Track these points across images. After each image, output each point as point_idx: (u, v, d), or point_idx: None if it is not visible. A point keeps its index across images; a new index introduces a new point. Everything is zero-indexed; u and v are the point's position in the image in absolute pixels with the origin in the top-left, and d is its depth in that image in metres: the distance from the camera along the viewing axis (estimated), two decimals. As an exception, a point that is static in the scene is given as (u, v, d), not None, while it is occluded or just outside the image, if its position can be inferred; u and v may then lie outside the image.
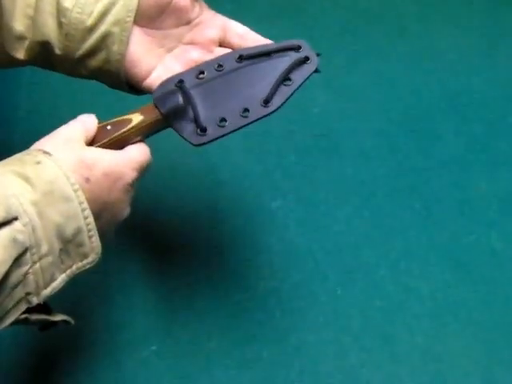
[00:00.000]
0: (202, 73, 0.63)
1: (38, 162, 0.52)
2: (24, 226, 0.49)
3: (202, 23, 0.65)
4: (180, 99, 0.60)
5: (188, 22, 0.65)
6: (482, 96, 0.92)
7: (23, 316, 0.50)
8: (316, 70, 0.62)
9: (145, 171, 0.60)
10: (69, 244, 0.52)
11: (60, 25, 0.62)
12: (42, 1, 0.62)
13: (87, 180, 0.54)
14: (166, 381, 0.69)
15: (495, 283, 0.76)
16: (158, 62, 0.64)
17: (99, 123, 0.59)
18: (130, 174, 0.58)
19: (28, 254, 0.49)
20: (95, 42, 0.62)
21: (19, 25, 0.62)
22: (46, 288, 0.51)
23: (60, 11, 0.61)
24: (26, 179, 0.51)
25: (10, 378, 0.68)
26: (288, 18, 0.99)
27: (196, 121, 0.60)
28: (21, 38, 0.63)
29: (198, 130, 0.60)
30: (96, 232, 0.54)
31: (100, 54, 0.63)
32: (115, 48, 0.62)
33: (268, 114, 0.61)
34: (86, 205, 0.53)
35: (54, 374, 0.69)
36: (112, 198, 0.56)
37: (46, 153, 0.54)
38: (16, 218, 0.48)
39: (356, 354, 0.71)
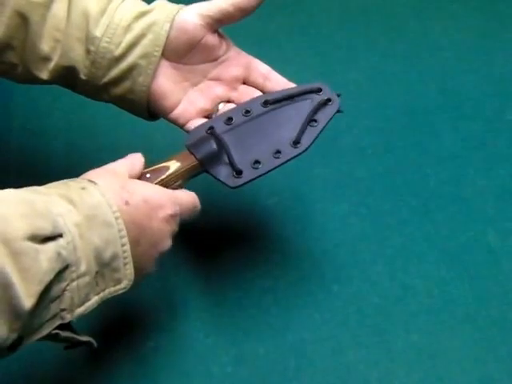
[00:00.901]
0: (231, 119, 0.66)
1: (83, 188, 0.54)
2: (67, 243, 0.50)
3: (228, 61, 0.67)
4: (214, 145, 0.64)
5: (215, 59, 0.67)
6: (479, 93, 0.92)
7: (55, 331, 0.52)
8: (339, 111, 0.67)
9: (191, 213, 0.62)
10: (105, 268, 0.54)
11: (88, 52, 0.63)
12: (72, 26, 0.63)
13: (126, 203, 0.56)
14: (163, 377, 0.69)
15: (492, 280, 0.76)
16: (183, 95, 0.67)
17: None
18: (171, 207, 0.59)
19: (68, 271, 0.50)
20: (121, 72, 0.64)
21: (46, 46, 0.63)
22: (79, 307, 0.53)
23: (89, 39, 0.63)
24: (71, 201, 0.52)
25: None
26: (285, 14, 0.99)
27: (231, 164, 0.64)
28: (46, 59, 0.64)
29: (234, 173, 0.64)
30: (131, 260, 0.55)
31: (125, 84, 0.64)
32: (141, 80, 0.64)
33: (299, 154, 0.65)
34: (124, 233, 0.54)
35: (48, 369, 0.69)
36: (152, 226, 0.58)
37: (90, 181, 0.56)
38: (61, 235, 0.50)
39: (352, 351, 0.71)
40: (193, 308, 0.74)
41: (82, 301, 0.52)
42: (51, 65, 0.64)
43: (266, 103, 0.66)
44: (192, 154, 0.64)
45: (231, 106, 0.68)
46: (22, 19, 0.62)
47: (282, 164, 0.65)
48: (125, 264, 0.55)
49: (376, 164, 0.85)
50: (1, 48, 0.63)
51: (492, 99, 0.91)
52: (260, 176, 0.64)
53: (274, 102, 0.66)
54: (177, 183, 0.63)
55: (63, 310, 0.51)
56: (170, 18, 0.63)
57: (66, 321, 0.52)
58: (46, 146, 0.85)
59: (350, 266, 0.77)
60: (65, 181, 0.56)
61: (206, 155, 0.64)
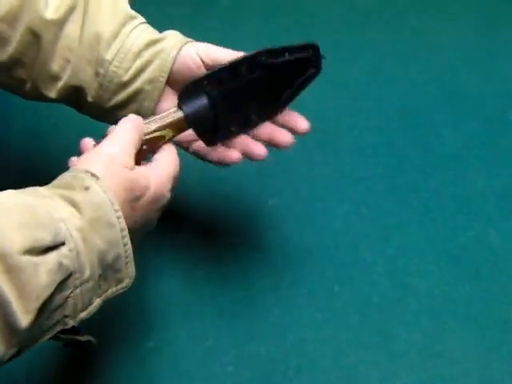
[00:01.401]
0: (222, 80, 0.65)
1: (87, 188, 0.53)
2: (70, 251, 0.49)
3: None
4: (205, 101, 0.64)
5: None
6: (481, 92, 0.92)
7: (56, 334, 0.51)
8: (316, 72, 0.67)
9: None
10: (108, 270, 0.53)
11: (97, 74, 0.63)
12: (84, 47, 0.63)
13: (133, 208, 0.56)
14: (164, 378, 0.69)
15: (493, 280, 0.76)
16: None
17: None
18: (167, 196, 0.60)
19: (71, 279, 0.49)
20: (127, 96, 0.64)
21: (56, 65, 0.63)
22: (82, 311, 0.52)
23: (99, 61, 0.63)
24: (74, 204, 0.51)
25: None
26: (286, 14, 0.99)
27: (214, 123, 0.64)
28: (55, 78, 0.64)
29: (213, 132, 0.64)
30: (132, 258, 0.55)
31: (130, 108, 0.65)
32: (146, 104, 0.65)
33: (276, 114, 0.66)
34: (126, 232, 0.54)
35: (48, 369, 0.69)
36: (148, 218, 0.59)
37: (93, 176, 0.54)
38: (63, 243, 0.49)
39: (354, 351, 0.71)
40: (193, 308, 0.74)
41: (85, 305, 0.52)
42: (60, 84, 0.64)
43: (255, 65, 0.66)
44: (180, 108, 0.63)
45: None
46: (35, 37, 0.62)
47: (256, 126, 0.66)
48: (126, 263, 0.54)
49: (377, 164, 0.85)
50: (11, 64, 0.63)
51: (493, 99, 0.91)
52: (233, 136, 0.65)
53: (263, 65, 0.66)
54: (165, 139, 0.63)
55: (66, 316, 0.50)
56: (178, 45, 0.64)
57: (69, 326, 0.51)
58: (46, 146, 0.85)
59: (350, 266, 0.77)
60: (67, 177, 0.54)
61: (194, 112, 0.64)
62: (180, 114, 0.63)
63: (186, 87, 0.63)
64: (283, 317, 0.73)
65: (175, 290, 0.75)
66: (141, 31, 0.64)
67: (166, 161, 0.61)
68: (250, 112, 0.65)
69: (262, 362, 0.70)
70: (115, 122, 0.66)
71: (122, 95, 0.64)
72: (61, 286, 0.49)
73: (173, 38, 0.65)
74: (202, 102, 0.64)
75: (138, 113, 0.64)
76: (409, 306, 0.74)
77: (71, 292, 0.50)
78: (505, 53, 0.96)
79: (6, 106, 0.88)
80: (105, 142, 0.58)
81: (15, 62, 0.63)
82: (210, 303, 0.74)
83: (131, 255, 0.55)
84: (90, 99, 0.64)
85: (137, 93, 0.64)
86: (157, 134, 0.62)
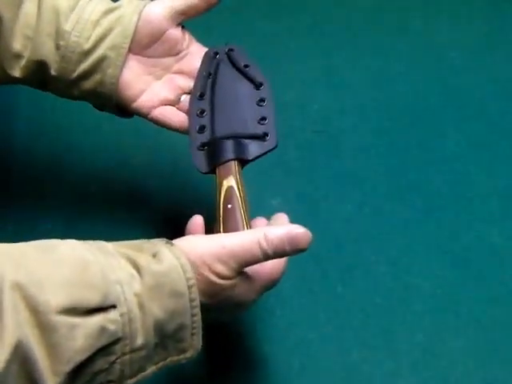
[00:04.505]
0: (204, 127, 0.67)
1: (154, 254, 0.50)
2: (120, 315, 0.46)
3: (190, 55, 0.69)
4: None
5: (177, 53, 0.69)
6: (483, 93, 0.92)
7: None
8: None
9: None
10: (167, 339, 0.50)
11: (58, 47, 0.64)
12: (43, 22, 0.64)
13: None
14: (163, 377, 0.69)
15: (496, 280, 0.76)
16: (146, 87, 0.68)
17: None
18: (253, 299, 0.57)
19: (120, 345, 0.46)
20: (91, 65, 0.65)
21: (18, 44, 0.64)
22: (131, 378, 0.48)
23: (59, 33, 0.64)
24: (137, 268, 0.49)
25: None
26: (288, 15, 0.99)
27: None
28: (18, 56, 0.64)
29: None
30: (200, 330, 0.51)
31: (94, 77, 0.65)
32: (110, 71, 0.65)
33: None
34: (197, 302, 0.50)
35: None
36: (226, 310, 0.56)
37: (168, 243, 0.52)
38: (114, 306, 0.46)
39: (357, 351, 0.71)
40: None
41: (134, 372, 0.48)
42: (23, 62, 0.64)
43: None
44: (217, 166, 0.64)
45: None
46: None
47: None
48: (192, 334, 0.50)
49: (380, 164, 0.85)
50: None
51: (496, 99, 0.91)
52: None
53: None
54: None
55: (110, 381, 0.47)
56: (137, 10, 0.65)
57: None
58: (48, 147, 0.85)
59: (353, 266, 0.77)
60: (143, 240, 0.52)
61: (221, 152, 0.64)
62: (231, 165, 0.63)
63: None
64: (286, 317, 0.73)
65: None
66: (97, 2, 0.66)
67: (269, 269, 0.57)
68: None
69: (264, 362, 0.70)
70: (79, 96, 0.67)
71: (85, 64, 0.64)
72: (105, 350, 0.46)
73: (130, 5, 0.66)
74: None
75: (101, 83, 0.65)
76: (412, 306, 0.74)
77: (117, 358, 0.46)
78: (508, 53, 0.96)
79: (10, 106, 0.88)
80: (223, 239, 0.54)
81: None
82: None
83: (199, 327, 0.51)
84: (53, 73, 0.65)
85: (100, 60, 0.64)
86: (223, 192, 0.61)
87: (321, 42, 0.95)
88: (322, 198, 0.82)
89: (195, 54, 0.70)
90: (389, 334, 0.72)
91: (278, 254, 0.53)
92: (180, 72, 0.69)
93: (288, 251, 0.54)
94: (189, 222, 0.59)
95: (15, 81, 0.66)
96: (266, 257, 0.53)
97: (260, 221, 0.61)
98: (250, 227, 0.59)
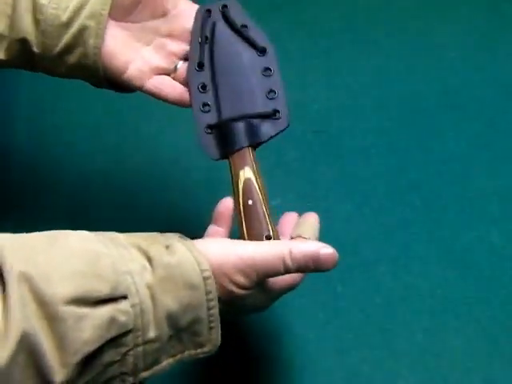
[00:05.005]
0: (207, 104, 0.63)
1: (167, 246, 0.49)
2: (132, 306, 0.45)
3: (179, 14, 0.64)
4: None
5: (164, 14, 0.64)
6: (483, 93, 0.92)
7: None
8: None
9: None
10: (182, 332, 0.49)
11: (37, 22, 0.61)
12: None
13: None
14: (164, 377, 0.69)
15: (496, 280, 0.76)
16: (135, 55, 0.63)
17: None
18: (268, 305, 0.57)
19: (131, 336, 0.46)
20: (72, 37, 0.61)
21: (0, 25, 0.62)
22: (145, 371, 0.48)
23: (36, 8, 0.61)
24: (149, 259, 0.48)
25: None
26: (287, 14, 0.99)
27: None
28: (1, 37, 0.62)
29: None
30: (219, 324, 0.50)
31: (77, 50, 0.62)
32: (92, 42, 0.61)
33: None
34: (213, 295, 0.49)
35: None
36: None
37: (181, 237, 0.52)
38: (125, 297, 0.45)
39: (356, 351, 0.71)
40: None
41: (149, 365, 0.48)
42: (5, 43, 0.62)
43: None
44: (230, 151, 0.60)
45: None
46: None
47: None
48: (210, 328, 0.49)
49: (379, 164, 0.85)
50: None
51: (496, 99, 0.91)
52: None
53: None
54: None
55: (124, 373, 0.47)
56: None
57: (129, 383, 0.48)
58: (48, 145, 0.85)
59: (353, 266, 0.77)
60: (157, 233, 0.52)
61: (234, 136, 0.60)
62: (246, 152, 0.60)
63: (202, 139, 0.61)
64: (286, 317, 0.73)
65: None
66: None
67: (288, 277, 0.55)
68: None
69: (264, 362, 0.71)
70: (68, 73, 0.64)
71: (66, 37, 0.61)
72: (116, 341, 0.45)
73: None
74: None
75: (85, 55, 0.61)
76: (411, 306, 0.74)
77: (130, 349, 0.46)
78: (507, 53, 0.96)
79: (9, 105, 0.88)
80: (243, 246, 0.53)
81: None
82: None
83: (217, 321, 0.50)
84: (35, 50, 0.62)
85: (80, 31, 0.61)
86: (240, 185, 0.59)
87: (321, 42, 0.95)
88: (322, 198, 0.82)
89: (185, 13, 0.64)
90: (388, 333, 0.72)
91: (300, 270, 0.53)
92: (171, 35, 0.64)
93: (312, 269, 0.53)
94: (218, 204, 0.57)
95: (3, 64, 0.64)
96: (288, 271, 0.52)
97: (290, 216, 0.60)
98: (274, 226, 0.58)
